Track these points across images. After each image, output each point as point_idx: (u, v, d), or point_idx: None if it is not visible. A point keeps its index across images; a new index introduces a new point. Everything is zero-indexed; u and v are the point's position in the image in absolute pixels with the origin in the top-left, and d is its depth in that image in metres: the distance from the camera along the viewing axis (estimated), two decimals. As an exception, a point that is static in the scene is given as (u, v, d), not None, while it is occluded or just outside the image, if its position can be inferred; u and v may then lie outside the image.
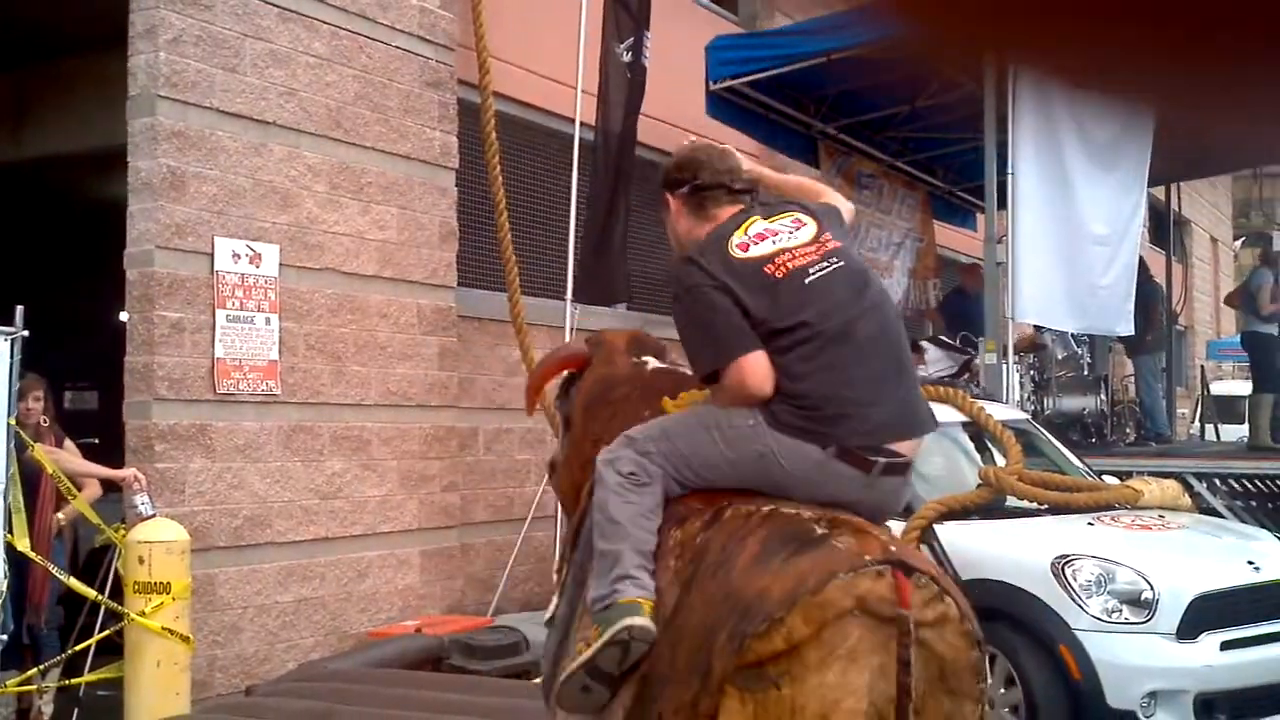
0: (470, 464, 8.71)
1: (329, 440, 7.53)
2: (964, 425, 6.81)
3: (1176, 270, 15.07)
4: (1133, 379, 12.68)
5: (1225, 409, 15.67)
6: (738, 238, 3.11)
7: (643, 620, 2.84)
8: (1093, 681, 5.22)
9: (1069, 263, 8.73)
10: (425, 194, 8.28)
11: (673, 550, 2.97)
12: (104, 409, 10.13)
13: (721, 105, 10.35)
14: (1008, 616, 5.48)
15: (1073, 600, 5.34)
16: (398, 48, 8.13)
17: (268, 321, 7.19)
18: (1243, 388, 15.55)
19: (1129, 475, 7.45)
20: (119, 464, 6.48)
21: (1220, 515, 7.76)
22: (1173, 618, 5.28)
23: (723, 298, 2.99)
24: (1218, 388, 17.95)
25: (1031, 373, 10.15)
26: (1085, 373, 10.79)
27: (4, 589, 5.64)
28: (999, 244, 8.99)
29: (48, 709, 6.35)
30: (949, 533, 5.77)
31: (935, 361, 10.06)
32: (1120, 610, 5.32)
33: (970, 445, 6.90)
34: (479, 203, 8.76)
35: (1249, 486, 8.42)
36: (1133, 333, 9.79)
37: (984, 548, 5.76)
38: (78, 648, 6.08)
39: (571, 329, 8.84)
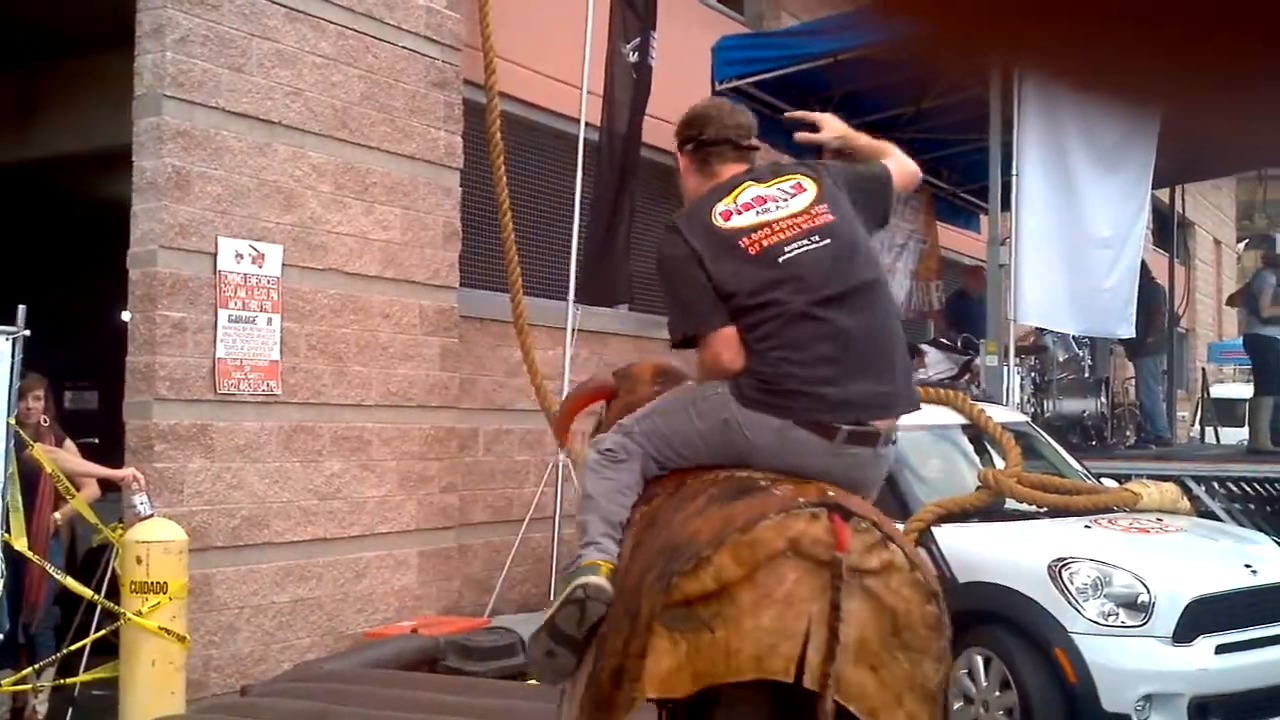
0: (469, 465, 8.71)
1: (329, 441, 7.53)
2: (963, 428, 6.82)
3: (1179, 272, 15.04)
4: (1133, 381, 12.67)
5: (1225, 412, 15.68)
6: (724, 205, 3.11)
7: (598, 579, 2.88)
8: (1088, 685, 5.21)
9: (1072, 265, 8.72)
10: (429, 194, 8.28)
11: (637, 523, 3.02)
12: (104, 409, 10.13)
13: (726, 106, 10.34)
14: (1004, 619, 5.49)
15: (1069, 603, 5.34)
16: (404, 48, 8.13)
17: (269, 322, 7.19)
18: (1243, 391, 15.55)
19: (1128, 478, 7.44)
20: (119, 464, 6.48)
21: (1218, 518, 7.75)
22: (1169, 621, 5.28)
23: (696, 270, 3.04)
24: (1218, 390, 17.95)
25: (1032, 375, 10.14)
26: (1086, 375, 10.77)
27: (0, 588, 5.64)
28: (1002, 246, 8.99)
29: (42, 708, 6.37)
30: (947, 535, 5.78)
31: (935, 364, 10.07)
32: (1117, 613, 5.31)
33: (969, 447, 6.90)
34: (482, 203, 8.76)
35: (1248, 490, 8.42)
36: (1134, 336, 9.78)
37: (982, 550, 5.75)
38: (73, 647, 6.08)
39: (573, 329, 8.85)
